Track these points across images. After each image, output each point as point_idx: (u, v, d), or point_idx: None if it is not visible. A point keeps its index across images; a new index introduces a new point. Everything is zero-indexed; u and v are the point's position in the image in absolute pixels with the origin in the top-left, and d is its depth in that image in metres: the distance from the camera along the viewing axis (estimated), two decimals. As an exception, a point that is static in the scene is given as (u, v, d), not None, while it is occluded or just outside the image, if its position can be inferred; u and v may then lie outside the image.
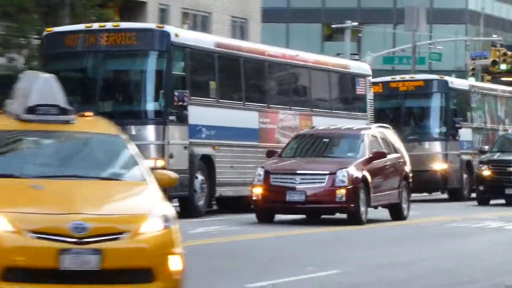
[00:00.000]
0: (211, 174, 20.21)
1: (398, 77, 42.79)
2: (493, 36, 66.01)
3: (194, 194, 19.80)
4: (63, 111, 8.84)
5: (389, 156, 23.47)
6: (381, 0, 75.72)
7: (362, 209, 19.55)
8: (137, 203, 8.24)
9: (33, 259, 6.87)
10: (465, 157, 36.72)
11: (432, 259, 16.37)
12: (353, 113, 30.46)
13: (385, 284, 12.23)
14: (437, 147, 36.29)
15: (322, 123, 26.77)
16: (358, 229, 17.18)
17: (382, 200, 22.68)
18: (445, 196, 40.20)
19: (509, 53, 63.40)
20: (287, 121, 26.22)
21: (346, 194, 16.19)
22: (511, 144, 36.20)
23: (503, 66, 62.65)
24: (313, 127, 24.59)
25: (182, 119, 15.48)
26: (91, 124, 9.98)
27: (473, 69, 65.79)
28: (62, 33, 17.61)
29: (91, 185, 8.44)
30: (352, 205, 16.55)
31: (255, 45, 28.07)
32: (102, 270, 7.00)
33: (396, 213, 22.62)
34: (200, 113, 19.85)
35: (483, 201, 33.61)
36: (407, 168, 24.78)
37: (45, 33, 15.91)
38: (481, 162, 34.29)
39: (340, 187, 16.17)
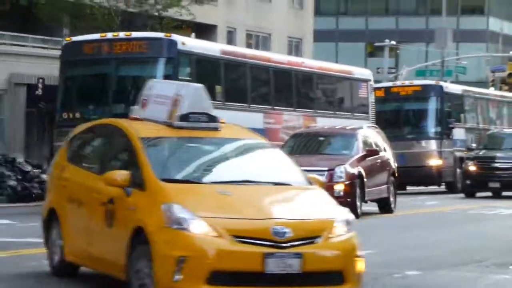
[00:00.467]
0: None
1: (399, 83, 47.65)
2: (510, 52, 69.29)
3: None
4: (212, 119, 9.27)
5: (379, 154, 24.77)
6: (415, 22, 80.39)
7: (358, 203, 20.34)
8: (320, 207, 8.43)
9: (238, 263, 7.08)
10: (458, 154, 38.82)
11: (445, 241, 18.18)
12: (355, 114, 32.00)
13: (408, 261, 13.55)
14: (432, 145, 38.38)
15: (326, 124, 28.19)
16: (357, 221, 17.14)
17: (374, 195, 23.50)
18: (442, 188, 42.64)
19: None
20: (291, 121, 27.55)
21: (344, 189, 16.97)
22: (496, 142, 37.86)
23: None
24: (309, 127, 26.11)
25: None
26: (235, 131, 10.46)
27: (492, 80, 70.82)
28: (80, 42, 19.05)
29: (269, 190, 8.76)
30: (349, 199, 16.93)
31: (260, 53, 30.07)
32: (303, 273, 7.26)
33: (385, 206, 23.57)
34: None
35: (469, 193, 35.59)
36: (394, 165, 25.99)
37: (64, 42, 17.59)
38: (468, 159, 35.93)
39: (338, 182, 17.01)
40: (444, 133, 37.16)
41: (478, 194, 35.79)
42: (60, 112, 18.08)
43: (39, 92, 18.22)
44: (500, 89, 67.45)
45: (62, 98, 18.19)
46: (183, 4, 39.47)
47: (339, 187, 16.94)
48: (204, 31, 47.42)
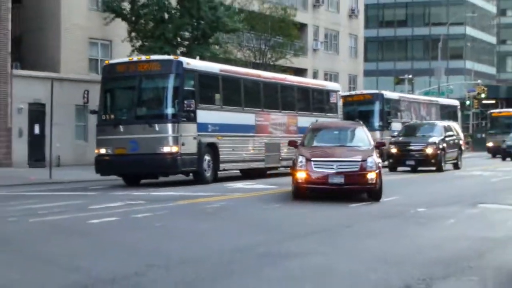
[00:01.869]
0: (216, 156, 25.59)
1: (353, 93, 58.07)
2: (478, 81, 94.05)
3: (203, 170, 24.68)
4: None
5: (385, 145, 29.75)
6: (423, 64, 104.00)
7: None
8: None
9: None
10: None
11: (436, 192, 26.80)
12: (328, 114, 36.58)
13: (419, 202, 20.30)
14: (376, 134, 42.57)
15: (305, 121, 31.78)
16: (378, 204, 19.31)
17: None
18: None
19: (485, 89, 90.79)
20: (277, 120, 31.84)
21: (375, 177, 17.99)
22: (411, 131, 44.49)
23: (482, 95, 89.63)
24: (316, 120, 27.09)
25: (191, 119, 21.82)
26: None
27: (469, 97, 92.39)
28: (115, 64, 25.26)
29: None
30: (378, 185, 18.37)
31: (252, 71, 33.96)
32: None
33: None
34: (207, 115, 24.97)
35: (392, 169, 41.23)
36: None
37: (104, 64, 23.97)
38: (390, 143, 41.57)
39: (371, 171, 17.97)
40: (385, 126, 44.03)
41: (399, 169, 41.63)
42: (100, 115, 23.88)
43: (86, 100, 25.27)
44: (473, 103, 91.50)
45: (102, 104, 23.80)
46: (288, 57, 58.57)
47: (372, 175, 18.39)
48: (300, 72, 61.17)
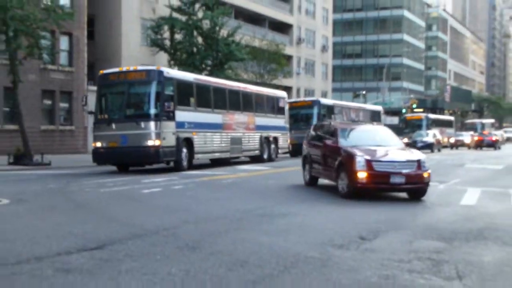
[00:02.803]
0: (191, 148, 23.70)
1: (298, 99, 52.50)
2: (411, 95, 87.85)
3: (181, 160, 22.72)
4: None
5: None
6: (373, 84, 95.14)
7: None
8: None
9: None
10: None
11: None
12: (277, 116, 34.23)
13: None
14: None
15: (262, 121, 31.96)
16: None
17: None
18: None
19: (416, 101, 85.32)
20: (239, 119, 29.60)
21: (428, 176, 14.79)
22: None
23: (414, 106, 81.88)
24: (330, 121, 23.02)
25: (170, 118, 21.23)
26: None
27: (404, 107, 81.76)
28: (108, 73, 22.93)
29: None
30: (428, 184, 14.91)
31: (220, 80, 31.35)
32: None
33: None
34: (184, 115, 23.07)
35: None
36: None
37: (99, 73, 22.51)
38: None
39: (426, 171, 14.73)
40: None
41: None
42: (97, 115, 22.00)
43: (84, 103, 24.50)
44: (407, 111, 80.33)
45: (97, 106, 22.16)
46: (279, 78, 57.47)
47: (427, 174, 14.58)
48: (287, 89, 54.95)
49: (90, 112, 23.38)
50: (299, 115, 38.46)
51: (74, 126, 36.58)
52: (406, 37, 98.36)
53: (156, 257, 7.24)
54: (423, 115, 58.53)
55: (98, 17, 41.51)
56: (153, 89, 21.97)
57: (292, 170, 23.73)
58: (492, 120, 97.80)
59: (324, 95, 73.87)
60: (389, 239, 8.84)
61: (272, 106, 36.45)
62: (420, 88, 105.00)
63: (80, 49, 36.97)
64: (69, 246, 7.73)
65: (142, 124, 21.28)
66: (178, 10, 37.10)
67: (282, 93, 39.36)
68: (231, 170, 24.86)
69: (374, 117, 46.24)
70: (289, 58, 63.07)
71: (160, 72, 21.87)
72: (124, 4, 41.48)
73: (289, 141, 34.63)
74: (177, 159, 22.65)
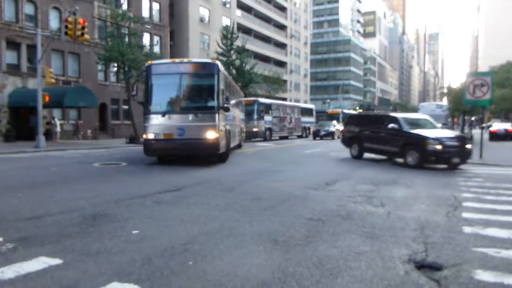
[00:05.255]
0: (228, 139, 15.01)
1: (245, 99, 45.73)
2: (355, 102, 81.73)
3: (229, 151, 15.19)
4: None
5: None
6: (333, 96, 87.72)
7: None
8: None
9: None
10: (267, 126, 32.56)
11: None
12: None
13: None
14: (254, 123, 31.89)
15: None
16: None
17: None
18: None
19: (358, 105, 76.05)
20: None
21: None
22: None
23: (357, 108, 71.95)
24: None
25: (226, 110, 12.64)
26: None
27: (351, 109, 70.85)
28: (160, 63, 13.55)
29: None
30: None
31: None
32: None
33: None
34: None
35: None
36: None
37: (147, 64, 13.15)
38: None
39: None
40: (259, 118, 29.95)
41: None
42: (147, 106, 12.77)
43: (135, 93, 13.49)
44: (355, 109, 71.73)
45: (148, 97, 12.65)
46: (279, 92, 53.33)
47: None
48: (284, 99, 54.44)
49: (141, 103, 14.36)
50: (247, 110, 31.94)
51: (162, 121, 36.37)
52: (352, 69, 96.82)
53: (208, 195, 7.23)
54: (340, 110, 50.42)
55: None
56: (211, 81, 13.76)
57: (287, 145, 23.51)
58: None
59: (305, 102, 68.98)
60: (342, 184, 8.73)
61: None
62: (361, 97, 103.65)
63: (164, 52, 36.63)
64: (160, 189, 7.74)
65: (202, 117, 13.16)
66: (221, 54, 35.97)
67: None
68: (251, 145, 23.54)
69: (307, 113, 39.92)
70: (285, 81, 62.46)
71: (217, 65, 13.66)
72: (190, 52, 40.84)
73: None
74: (227, 151, 14.81)
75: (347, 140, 15.70)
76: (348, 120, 16.58)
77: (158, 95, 12.73)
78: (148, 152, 12.37)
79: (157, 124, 12.07)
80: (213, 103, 12.20)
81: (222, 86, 12.79)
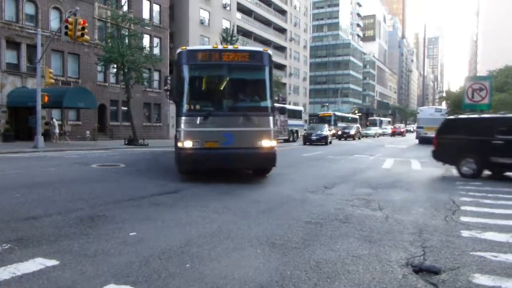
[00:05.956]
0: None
1: None
2: (354, 105, 79.30)
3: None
4: None
5: None
6: (332, 99, 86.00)
7: None
8: None
9: None
10: None
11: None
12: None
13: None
14: None
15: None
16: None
17: None
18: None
19: (357, 108, 74.40)
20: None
21: None
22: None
23: (356, 111, 71.10)
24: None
25: (283, 112, 8.25)
26: None
27: (351, 112, 71.72)
28: (197, 50, 9.67)
29: None
30: None
31: None
32: None
33: None
34: None
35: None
36: None
37: (179, 50, 9.33)
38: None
39: None
40: None
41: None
42: (182, 105, 9.08)
43: (168, 87, 8.40)
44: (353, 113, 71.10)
45: (183, 93, 9.03)
46: (279, 95, 46.22)
47: None
48: (283, 101, 49.95)
49: (173, 100, 10.41)
50: None
51: (162, 123, 36.30)
52: (351, 72, 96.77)
53: (206, 197, 7.21)
54: (332, 112, 46.78)
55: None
56: (263, 75, 9.95)
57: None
58: (388, 119, 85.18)
59: (304, 106, 67.85)
60: (340, 188, 8.73)
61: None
62: (360, 101, 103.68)
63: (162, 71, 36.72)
64: (158, 191, 7.72)
65: (256, 120, 9.43)
66: None
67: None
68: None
69: (293, 115, 36.74)
70: (284, 84, 62.48)
71: (269, 55, 9.82)
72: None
73: None
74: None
75: (452, 152, 11.27)
76: (448, 124, 12.02)
77: (197, 91, 9.37)
78: (184, 165, 9.02)
79: (197, 129, 8.75)
80: (267, 103, 9.30)
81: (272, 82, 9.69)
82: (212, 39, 42.08)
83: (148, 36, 32.91)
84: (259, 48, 9.88)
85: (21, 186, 7.84)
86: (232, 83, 9.31)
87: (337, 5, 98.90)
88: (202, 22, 42.59)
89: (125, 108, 30.64)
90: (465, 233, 5.03)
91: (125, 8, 30.16)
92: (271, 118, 9.15)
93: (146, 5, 34.25)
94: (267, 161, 9.18)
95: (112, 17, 25.92)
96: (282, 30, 64.38)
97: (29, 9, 25.47)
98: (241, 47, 9.63)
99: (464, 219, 5.83)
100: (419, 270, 3.76)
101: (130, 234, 4.71)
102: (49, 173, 10.16)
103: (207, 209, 6.15)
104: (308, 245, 4.43)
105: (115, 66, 25.45)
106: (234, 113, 8.99)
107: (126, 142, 25.19)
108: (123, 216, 5.57)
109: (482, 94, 13.96)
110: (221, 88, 9.35)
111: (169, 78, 10.04)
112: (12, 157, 14.89)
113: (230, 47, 9.35)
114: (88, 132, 28.57)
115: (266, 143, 8.94)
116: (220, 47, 9.30)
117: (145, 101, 34.39)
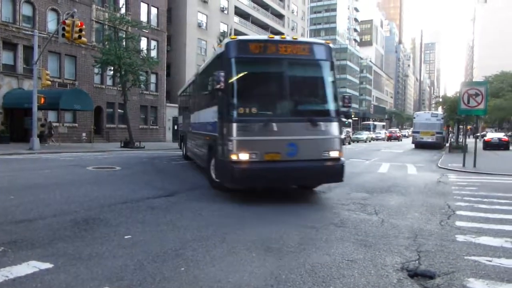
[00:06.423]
0: None
1: None
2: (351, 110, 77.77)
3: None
4: None
5: None
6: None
7: None
8: None
9: None
10: None
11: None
12: None
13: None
14: None
15: None
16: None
17: None
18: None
19: (353, 113, 70.86)
20: None
21: None
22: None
23: (352, 115, 68.51)
24: None
25: (348, 117, 7.19)
26: None
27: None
28: (251, 40, 7.48)
29: None
30: None
31: None
32: None
33: None
34: None
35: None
36: None
37: (228, 40, 7.21)
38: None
39: None
40: None
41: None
42: (233, 107, 6.88)
43: (222, 86, 6.36)
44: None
45: (233, 94, 6.89)
46: None
47: None
48: None
49: (219, 89, 6.92)
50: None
51: (158, 126, 36.21)
52: (348, 77, 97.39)
53: (202, 200, 7.20)
54: None
55: (173, 64, 40.99)
56: (327, 72, 7.87)
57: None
58: (383, 123, 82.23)
59: None
60: (336, 192, 8.69)
61: None
62: (356, 105, 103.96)
63: (162, 82, 36.53)
64: (153, 194, 7.71)
65: (322, 126, 7.41)
66: None
67: None
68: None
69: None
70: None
71: (331, 49, 7.95)
72: (187, 57, 40.81)
73: None
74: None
75: None
76: None
77: (251, 91, 7.38)
78: (238, 181, 6.99)
79: (255, 138, 6.96)
80: (333, 105, 7.65)
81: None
82: (210, 43, 42.20)
83: (146, 39, 32.90)
84: (319, 40, 8.11)
85: (16, 188, 7.80)
86: (293, 81, 7.39)
87: (334, 10, 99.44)
88: (199, 25, 42.68)
89: (122, 111, 30.66)
90: (460, 238, 5.05)
91: (123, 10, 30.18)
92: (338, 123, 7.57)
93: (143, 8, 34.29)
94: (335, 175, 7.44)
95: (109, 20, 25.92)
96: (279, 34, 64.48)
97: (26, 10, 25.41)
98: (301, 39, 7.80)
99: (459, 223, 5.85)
100: (414, 274, 3.77)
101: (125, 237, 4.69)
102: (44, 175, 10.11)
103: (202, 212, 6.14)
104: (304, 249, 4.43)
105: (112, 68, 25.46)
106: (297, 118, 7.23)
107: (122, 145, 25.10)
108: (118, 219, 5.55)
109: (478, 100, 14.03)
110: (281, 88, 7.31)
111: (222, 74, 6.94)
112: (7, 159, 14.81)
113: (288, 37, 7.59)
114: (84, 134, 28.50)
115: (334, 153, 7.36)
116: (276, 37, 7.52)
117: (141, 103, 34.34)
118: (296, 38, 7.66)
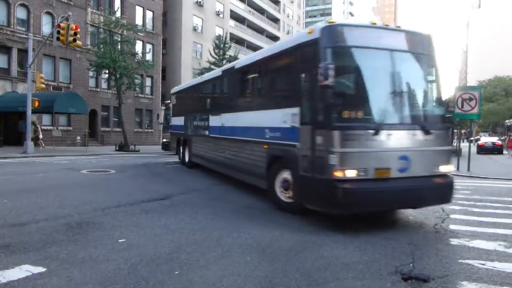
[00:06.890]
0: None
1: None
2: None
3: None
4: None
5: None
6: None
7: None
8: None
9: None
10: None
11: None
12: None
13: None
14: None
15: None
16: None
17: None
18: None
19: None
20: None
21: None
22: None
23: None
24: None
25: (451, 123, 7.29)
26: None
27: None
28: (353, 26, 5.62)
29: None
30: None
31: None
32: None
33: None
34: None
35: None
36: None
37: (324, 24, 5.28)
38: None
39: None
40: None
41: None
42: (333, 110, 5.09)
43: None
44: None
45: (331, 92, 5.06)
46: None
47: None
48: None
49: (326, 86, 4.74)
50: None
51: (153, 129, 36.19)
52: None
53: (196, 204, 7.18)
54: None
55: (168, 67, 40.97)
56: (434, 70, 6.12)
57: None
58: None
59: None
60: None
61: None
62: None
63: (157, 85, 36.56)
64: (147, 198, 7.67)
65: (434, 134, 5.57)
66: (214, 63, 35.34)
67: None
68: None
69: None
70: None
71: (432, 40, 6.12)
72: (183, 60, 40.88)
73: None
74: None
75: None
76: None
77: (354, 90, 5.75)
78: (344, 206, 5.28)
79: (363, 150, 5.31)
80: (442, 110, 6.19)
81: None
82: (205, 46, 42.26)
83: (141, 42, 32.89)
84: (419, 30, 6.31)
85: (9, 192, 7.74)
86: (400, 79, 5.79)
87: (329, 14, 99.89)
88: (195, 29, 42.74)
89: (116, 118, 30.60)
90: (454, 241, 5.07)
91: (118, 14, 30.18)
92: (447, 131, 6.19)
93: (139, 11, 34.29)
94: (444, 195, 5.98)
95: (104, 23, 25.88)
96: (275, 38, 64.75)
97: (21, 13, 25.32)
98: (403, 28, 6.15)
99: (453, 227, 5.87)
100: (408, 278, 3.77)
101: (119, 240, 4.67)
102: (38, 179, 10.06)
103: (196, 215, 6.12)
104: (298, 252, 4.43)
105: (107, 71, 25.42)
106: (409, 125, 5.69)
107: (117, 148, 25.00)
108: (112, 223, 5.53)
109: (472, 104, 14.14)
110: (391, 87, 5.71)
111: (331, 67, 5.18)
112: (0, 163, 14.69)
113: (391, 26, 6.10)
114: (78, 137, 28.35)
115: (445, 168, 5.88)
116: (379, 23, 6.03)
117: (137, 107, 34.28)
118: (399, 27, 6.16)
